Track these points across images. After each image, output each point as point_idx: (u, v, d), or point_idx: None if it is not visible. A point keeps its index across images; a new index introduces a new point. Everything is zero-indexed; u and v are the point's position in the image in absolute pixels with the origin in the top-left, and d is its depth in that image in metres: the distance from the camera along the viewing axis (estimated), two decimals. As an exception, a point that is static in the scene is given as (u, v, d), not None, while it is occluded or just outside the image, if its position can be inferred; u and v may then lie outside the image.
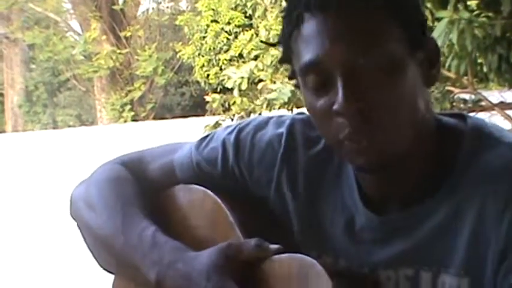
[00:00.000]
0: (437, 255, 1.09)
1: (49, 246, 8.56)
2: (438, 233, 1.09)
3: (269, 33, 8.55)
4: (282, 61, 1.16)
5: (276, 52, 7.59)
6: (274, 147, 1.26)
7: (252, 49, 8.45)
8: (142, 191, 1.33)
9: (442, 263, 1.08)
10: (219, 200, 1.24)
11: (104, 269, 1.33)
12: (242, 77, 7.14)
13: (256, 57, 8.00)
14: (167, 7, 29.61)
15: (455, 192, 1.09)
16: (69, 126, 29.31)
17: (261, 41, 8.54)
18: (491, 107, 5.92)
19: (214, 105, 8.19)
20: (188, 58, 16.04)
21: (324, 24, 1.05)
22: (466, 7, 4.43)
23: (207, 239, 1.22)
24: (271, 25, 8.75)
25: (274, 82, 6.99)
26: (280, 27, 1.14)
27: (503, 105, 5.96)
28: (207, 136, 1.35)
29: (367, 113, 1.03)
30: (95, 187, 1.35)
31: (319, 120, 1.11)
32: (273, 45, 1.21)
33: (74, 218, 1.37)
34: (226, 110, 8.24)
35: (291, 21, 1.09)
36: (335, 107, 1.03)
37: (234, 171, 1.29)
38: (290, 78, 1.16)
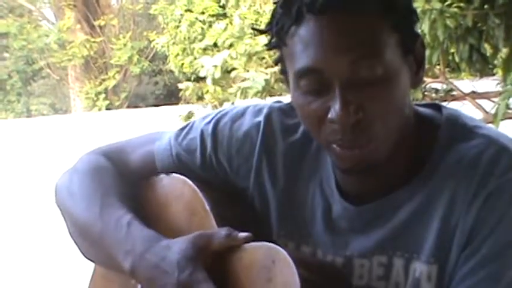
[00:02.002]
0: (410, 243, 1.11)
1: (25, 235, 8.53)
2: (411, 221, 1.12)
3: (243, 22, 8.55)
4: (270, 48, 1.15)
5: (250, 41, 7.59)
6: (252, 137, 1.26)
7: (227, 38, 8.44)
8: (123, 181, 1.33)
9: (414, 250, 1.11)
10: (197, 189, 1.24)
11: (86, 257, 1.33)
12: (215, 66, 7.13)
13: (230, 46, 7.97)
14: (141, -4, 29.48)
15: (429, 182, 1.12)
16: (43, 115, 29.12)
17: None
18: (462, 96, 6.01)
19: (188, 93, 8.16)
20: (162, 47, 15.99)
21: (326, 29, 1.04)
22: (438, -3, 4.46)
23: (184, 228, 1.22)
24: (245, 14, 8.73)
25: (248, 71, 6.97)
26: (270, 12, 1.13)
27: (474, 95, 6.02)
28: (186, 126, 1.36)
29: (362, 124, 1.04)
30: (77, 176, 1.35)
31: (308, 121, 1.11)
32: (263, 32, 1.15)
33: (58, 207, 1.37)
34: (200, 98, 8.22)
35: (290, 15, 1.06)
36: (331, 115, 1.04)
37: (212, 162, 1.29)
38: (276, 63, 1.16)
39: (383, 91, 1.05)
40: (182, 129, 1.34)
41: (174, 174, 1.30)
